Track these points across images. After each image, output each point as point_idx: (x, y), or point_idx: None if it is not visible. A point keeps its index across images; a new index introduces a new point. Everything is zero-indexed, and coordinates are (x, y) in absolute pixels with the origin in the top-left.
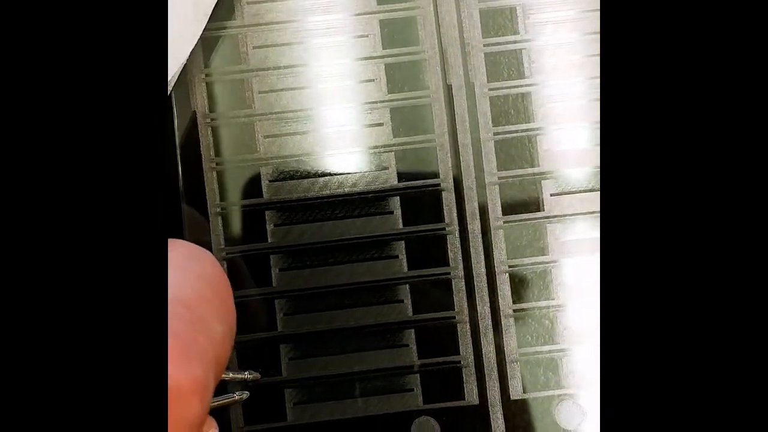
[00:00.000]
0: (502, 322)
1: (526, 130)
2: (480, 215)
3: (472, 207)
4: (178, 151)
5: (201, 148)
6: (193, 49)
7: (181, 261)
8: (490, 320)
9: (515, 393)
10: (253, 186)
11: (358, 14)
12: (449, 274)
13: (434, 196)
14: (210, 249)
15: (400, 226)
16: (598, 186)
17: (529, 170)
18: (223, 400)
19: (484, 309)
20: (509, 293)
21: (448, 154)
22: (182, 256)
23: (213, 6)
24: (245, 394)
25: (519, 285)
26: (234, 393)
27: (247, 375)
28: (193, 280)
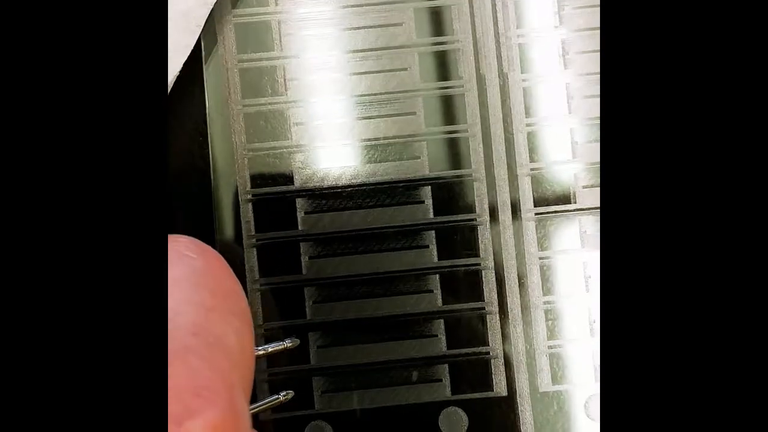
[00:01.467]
0: (532, 314)
1: (560, 121)
2: (511, 206)
3: (503, 198)
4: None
5: (233, 136)
6: (227, 40)
7: (174, 271)
8: (519, 312)
9: (544, 385)
10: (284, 173)
11: (393, 3)
12: (479, 264)
13: (466, 186)
14: (241, 240)
15: (431, 216)
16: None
17: (562, 162)
18: (267, 403)
19: (513, 300)
20: (539, 285)
21: (480, 145)
22: (172, 263)
23: (206, 17)
24: (290, 394)
25: (549, 277)
26: (279, 394)
27: (287, 344)
28: (193, 293)
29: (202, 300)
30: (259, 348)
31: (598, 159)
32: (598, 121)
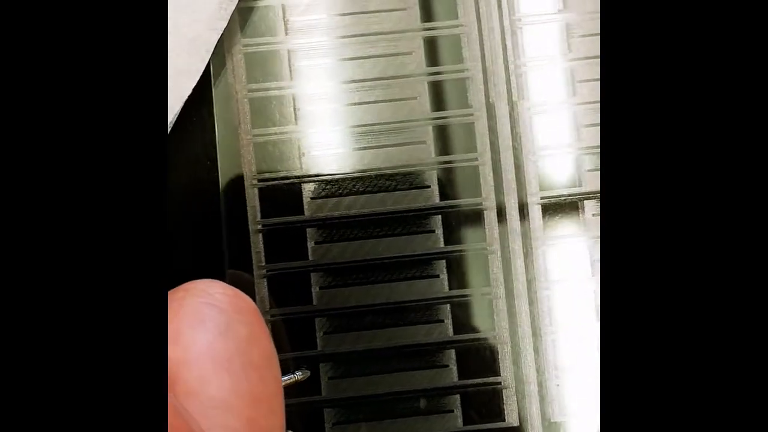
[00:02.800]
0: (543, 343)
1: (570, 149)
2: (521, 234)
3: (513, 226)
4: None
5: (243, 166)
6: (237, 69)
7: (222, 344)
8: (530, 340)
9: (555, 415)
10: (294, 202)
11: (403, 31)
12: (490, 294)
13: (476, 215)
14: (251, 270)
15: (442, 244)
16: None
17: (571, 190)
18: (285, 380)
19: (524, 329)
20: (549, 314)
21: (490, 173)
22: (221, 332)
23: (215, 42)
24: (308, 373)
25: (559, 306)
26: (296, 372)
27: (298, 376)
28: (243, 380)
29: (251, 386)
30: None
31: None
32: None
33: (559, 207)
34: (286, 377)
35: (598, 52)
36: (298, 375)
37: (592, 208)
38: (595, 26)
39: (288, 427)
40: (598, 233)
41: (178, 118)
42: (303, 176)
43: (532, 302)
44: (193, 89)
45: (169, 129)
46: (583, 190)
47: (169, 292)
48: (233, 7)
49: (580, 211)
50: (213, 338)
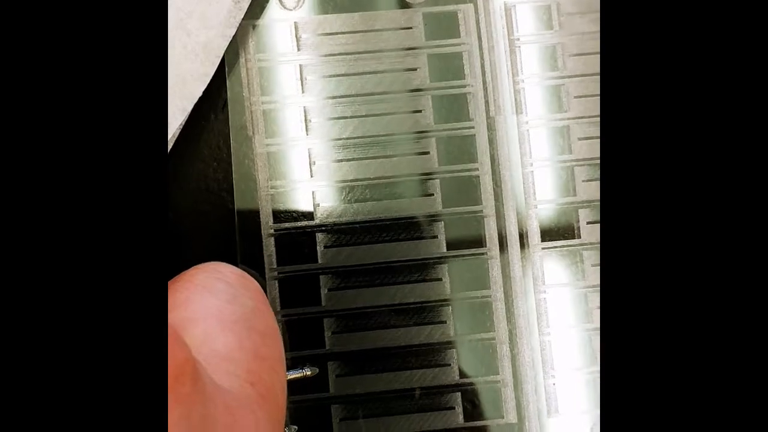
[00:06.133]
0: (539, 343)
1: (565, 161)
2: (519, 241)
3: (511, 233)
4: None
5: (257, 173)
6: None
7: (229, 309)
8: (527, 341)
9: (552, 412)
10: (305, 208)
11: (409, 48)
12: (490, 296)
13: (476, 221)
14: (263, 273)
15: (444, 250)
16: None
17: (567, 199)
18: (294, 374)
19: (521, 330)
20: (546, 315)
21: (490, 182)
22: (228, 301)
23: (225, 47)
24: (316, 370)
25: (555, 307)
26: (304, 368)
27: (306, 372)
28: (246, 338)
29: (255, 347)
30: None
31: (599, 197)
32: (599, 161)
33: (555, 214)
34: (295, 372)
35: (590, 70)
36: (307, 371)
37: (586, 216)
38: (587, 46)
39: (296, 423)
40: (591, 240)
41: (192, 124)
42: (314, 183)
43: (529, 304)
44: (207, 95)
45: (181, 128)
46: (578, 199)
47: (182, 273)
48: (241, 16)
49: (575, 219)
50: (220, 304)
